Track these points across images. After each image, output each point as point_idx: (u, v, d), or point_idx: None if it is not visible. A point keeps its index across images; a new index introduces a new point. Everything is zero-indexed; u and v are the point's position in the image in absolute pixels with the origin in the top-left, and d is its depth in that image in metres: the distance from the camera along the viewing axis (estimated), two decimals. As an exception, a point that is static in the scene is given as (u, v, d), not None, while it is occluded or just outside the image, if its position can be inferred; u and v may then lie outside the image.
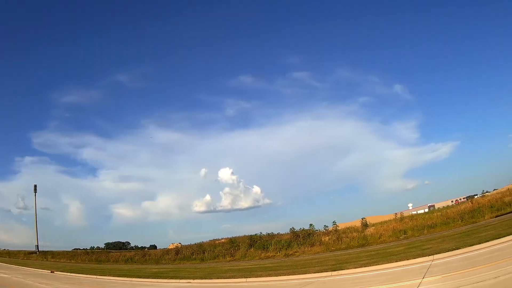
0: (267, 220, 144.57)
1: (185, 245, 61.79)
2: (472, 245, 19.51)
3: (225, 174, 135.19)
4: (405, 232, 37.56)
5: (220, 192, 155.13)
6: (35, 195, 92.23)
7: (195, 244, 58.87)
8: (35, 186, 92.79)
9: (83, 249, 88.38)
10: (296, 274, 22.11)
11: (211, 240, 62.13)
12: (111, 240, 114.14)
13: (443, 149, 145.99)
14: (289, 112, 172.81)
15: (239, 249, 45.61)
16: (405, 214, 55.21)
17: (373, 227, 43.51)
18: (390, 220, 48.11)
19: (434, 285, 13.00)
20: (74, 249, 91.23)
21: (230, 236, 59.19)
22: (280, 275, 22.69)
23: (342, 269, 20.90)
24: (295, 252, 40.16)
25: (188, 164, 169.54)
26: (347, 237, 40.72)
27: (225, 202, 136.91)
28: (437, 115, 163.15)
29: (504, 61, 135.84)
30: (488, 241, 19.41)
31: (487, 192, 59.39)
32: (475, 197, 59.65)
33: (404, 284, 13.98)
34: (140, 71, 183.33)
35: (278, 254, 40.79)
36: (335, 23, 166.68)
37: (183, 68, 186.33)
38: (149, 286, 26.79)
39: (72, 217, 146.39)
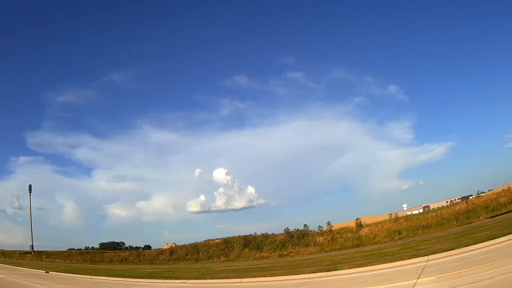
0: (261, 220, 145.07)
1: (180, 246, 61.48)
2: (467, 245, 19.47)
3: (219, 174, 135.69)
4: (399, 233, 37.55)
5: (215, 192, 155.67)
6: (30, 195, 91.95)
7: (189, 244, 58.64)
8: (30, 186, 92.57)
9: (78, 249, 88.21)
10: (290, 275, 22.00)
11: (205, 241, 61.78)
12: (106, 240, 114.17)
13: (438, 150, 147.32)
14: (284, 112, 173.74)
15: (234, 249, 45.44)
16: (400, 214, 55.20)
17: (367, 228, 43.50)
18: (384, 221, 48.11)
19: (429, 285, 12.93)
20: (69, 249, 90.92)
21: (224, 236, 59.05)
22: (275, 276, 22.57)
23: (336, 270, 20.80)
24: (290, 252, 40.06)
25: (182, 164, 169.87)
26: (342, 238, 40.65)
27: (220, 202, 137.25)
28: (432, 116, 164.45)
29: (503, 62, 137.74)
30: (483, 241, 19.38)
31: (482, 192, 59.59)
32: (470, 197, 59.83)
33: (399, 285, 13.89)
34: (135, 71, 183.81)
35: (273, 254, 40.64)
36: (330, 24, 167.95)
37: (178, 68, 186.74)
38: (144, 286, 26.58)
39: (67, 217, 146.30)
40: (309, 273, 21.40)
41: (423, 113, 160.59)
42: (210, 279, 25.25)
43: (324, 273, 20.53)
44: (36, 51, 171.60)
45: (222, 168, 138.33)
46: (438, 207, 65.55)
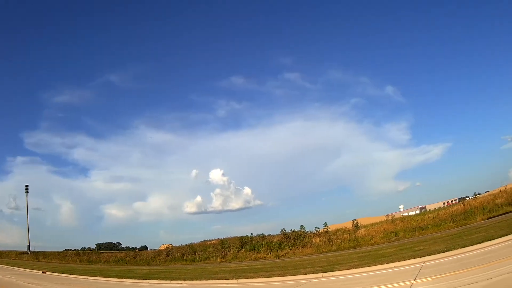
0: (258, 221, 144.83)
1: (176, 246, 61.55)
2: (464, 246, 19.45)
3: (216, 175, 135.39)
4: (396, 234, 37.53)
5: (211, 193, 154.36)
6: (27, 195, 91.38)
7: (186, 245, 58.72)
8: (27, 186, 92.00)
9: (75, 249, 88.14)
10: (287, 276, 21.95)
11: (202, 241, 61.99)
12: (102, 240, 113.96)
13: (434, 151, 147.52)
14: (281, 113, 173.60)
15: (230, 250, 45.36)
16: (397, 215, 55.23)
17: (364, 229, 43.42)
18: (381, 222, 48.07)
19: (425, 286, 12.89)
20: (65, 249, 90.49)
21: (221, 237, 59.22)
22: (271, 276, 22.50)
23: (333, 271, 20.74)
24: (286, 253, 40.00)
25: (179, 165, 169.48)
26: (338, 239, 40.60)
27: (216, 203, 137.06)
28: (429, 117, 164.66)
29: (500, 62, 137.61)
30: (480, 242, 19.36)
31: (479, 194, 59.59)
32: (467, 199, 59.90)
33: (396, 286, 13.86)
34: (132, 72, 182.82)
35: (269, 255, 40.57)
36: (327, 25, 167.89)
37: (175, 69, 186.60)
38: (140, 287, 26.53)
39: (64, 217, 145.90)
40: (305, 274, 21.33)
41: (420, 114, 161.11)
42: (207, 280, 25.16)
43: (320, 274, 20.47)
44: (33, 51, 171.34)
45: (218, 169, 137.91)
46: (435, 208, 65.45)
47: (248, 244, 45.42)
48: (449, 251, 19.39)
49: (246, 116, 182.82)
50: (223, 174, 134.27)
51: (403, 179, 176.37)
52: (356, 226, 45.02)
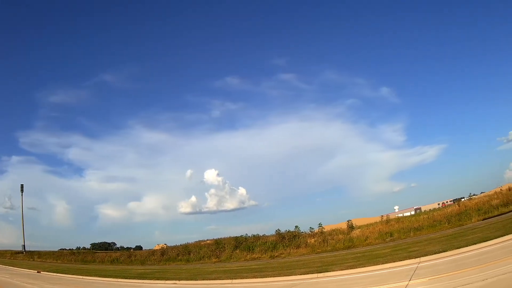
0: (252, 221, 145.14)
1: (171, 246, 61.25)
2: (459, 247, 19.44)
3: (210, 175, 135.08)
4: (391, 235, 37.51)
5: (206, 194, 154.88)
6: (22, 195, 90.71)
7: (180, 245, 58.44)
8: (22, 185, 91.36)
9: (69, 249, 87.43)
10: (281, 276, 21.89)
11: (196, 241, 61.72)
12: (97, 240, 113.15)
13: (430, 152, 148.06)
14: (276, 114, 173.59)
15: (225, 250, 45.20)
16: (392, 216, 55.12)
17: (359, 230, 43.37)
18: (376, 223, 48.00)
19: (421, 287, 12.86)
20: (60, 249, 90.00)
21: (215, 237, 58.91)
22: (266, 277, 22.45)
23: (328, 271, 20.69)
24: (281, 253, 39.87)
25: (174, 165, 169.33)
26: (333, 239, 40.51)
27: (211, 203, 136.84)
28: (424, 118, 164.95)
29: (497, 64, 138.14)
30: (475, 243, 19.36)
31: (474, 195, 59.99)
32: (462, 200, 60.08)
33: (391, 286, 13.81)
34: (127, 72, 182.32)
35: (264, 255, 40.43)
36: (322, 26, 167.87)
37: (170, 69, 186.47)
38: (135, 287, 26.47)
39: (59, 217, 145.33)
40: (300, 274, 21.28)
41: (415, 115, 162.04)
42: (201, 280, 25.10)
43: (315, 275, 20.41)
44: (28, 51, 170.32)
45: (213, 169, 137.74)
46: (430, 209, 65.52)
47: (243, 245, 45.28)
48: (444, 252, 19.37)
49: (241, 116, 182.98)
50: (218, 175, 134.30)
51: (398, 180, 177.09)
52: (351, 227, 44.97)
